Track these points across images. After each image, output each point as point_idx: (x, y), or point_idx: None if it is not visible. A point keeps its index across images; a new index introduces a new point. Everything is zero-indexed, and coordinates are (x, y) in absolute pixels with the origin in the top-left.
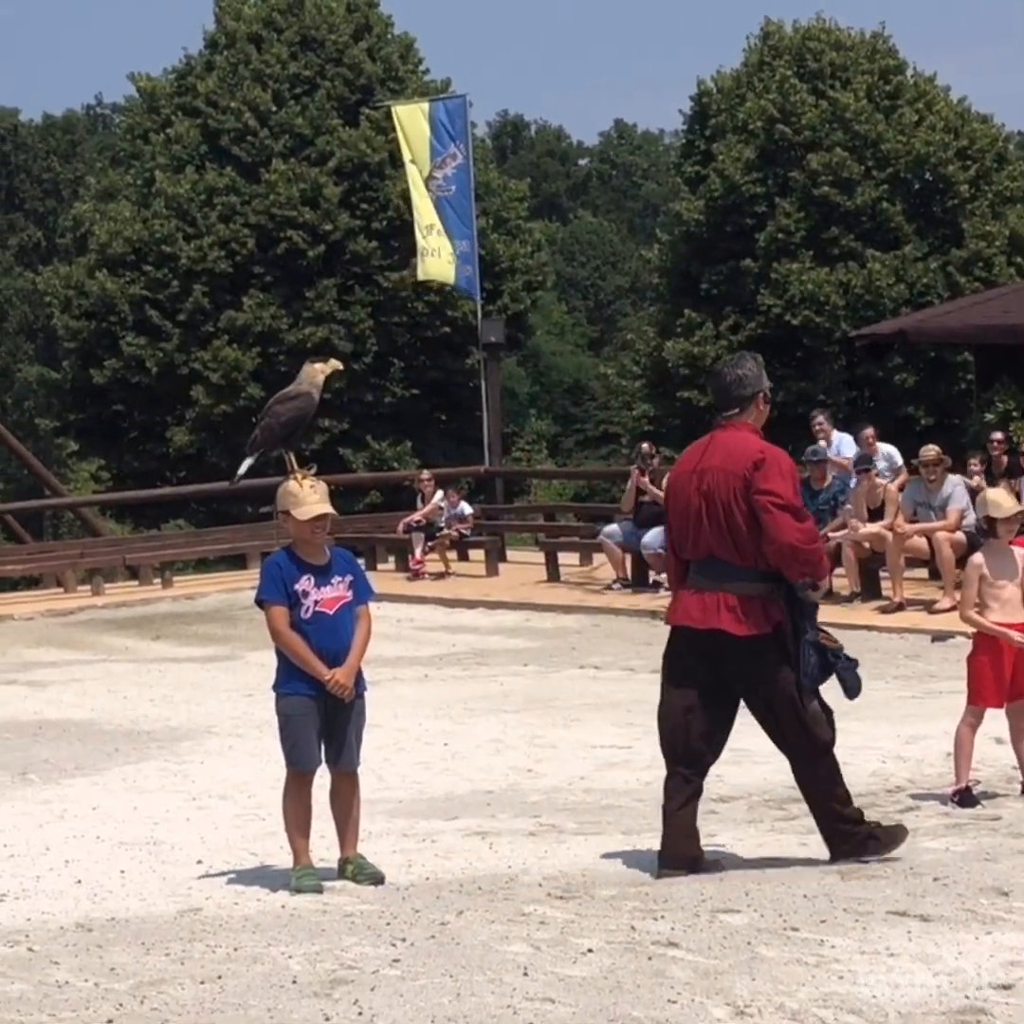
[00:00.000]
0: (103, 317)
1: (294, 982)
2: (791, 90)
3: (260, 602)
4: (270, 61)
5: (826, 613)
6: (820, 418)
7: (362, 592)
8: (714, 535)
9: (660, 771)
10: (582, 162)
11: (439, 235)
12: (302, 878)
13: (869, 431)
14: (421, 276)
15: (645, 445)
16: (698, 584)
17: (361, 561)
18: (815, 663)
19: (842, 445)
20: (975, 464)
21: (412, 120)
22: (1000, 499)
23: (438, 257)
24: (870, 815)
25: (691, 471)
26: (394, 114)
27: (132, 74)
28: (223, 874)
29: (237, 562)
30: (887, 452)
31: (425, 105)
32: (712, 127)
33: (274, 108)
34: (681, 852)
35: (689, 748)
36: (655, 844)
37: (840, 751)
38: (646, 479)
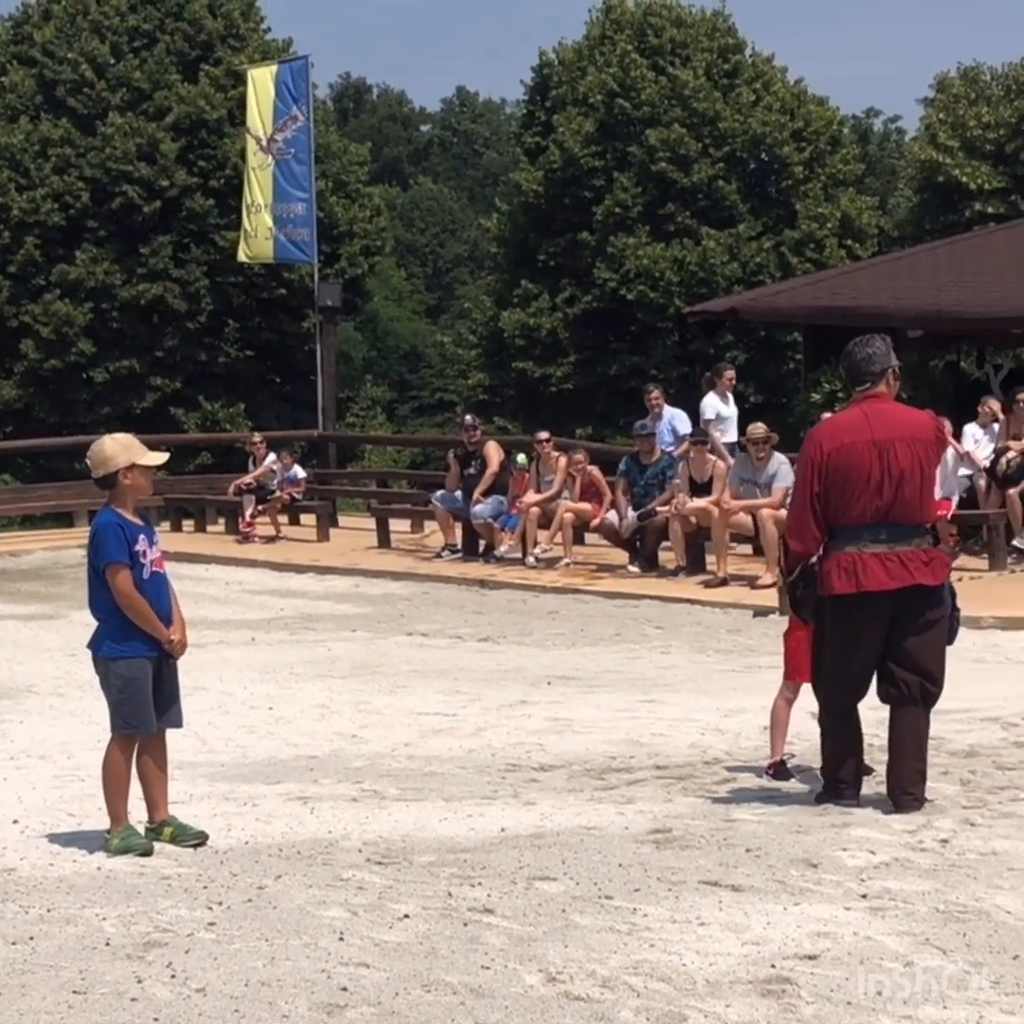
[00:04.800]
0: None
1: (107, 944)
2: (632, 65)
3: (107, 565)
4: (109, 13)
5: (651, 586)
6: (655, 392)
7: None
8: (903, 500)
9: (483, 740)
10: (424, 128)
11: (259, 212)
12: (129, 837)
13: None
14: (241, 257)
15: (469, 417)
16: (872, 548)
17: (191, 522)
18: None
19: (675, 420)
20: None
21: (263, 83)
22: None
23: (256, 237)
24: (687, 786)
25: (866, 442)
26: (249, 77)
27: None
28: (39, 835)
29: (63, 519)
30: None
31: (274, 67)
32: (553, 99)
33: (112, 60)
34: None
35: (856, 699)
36: (476, 810)
37: (659, 723)
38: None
